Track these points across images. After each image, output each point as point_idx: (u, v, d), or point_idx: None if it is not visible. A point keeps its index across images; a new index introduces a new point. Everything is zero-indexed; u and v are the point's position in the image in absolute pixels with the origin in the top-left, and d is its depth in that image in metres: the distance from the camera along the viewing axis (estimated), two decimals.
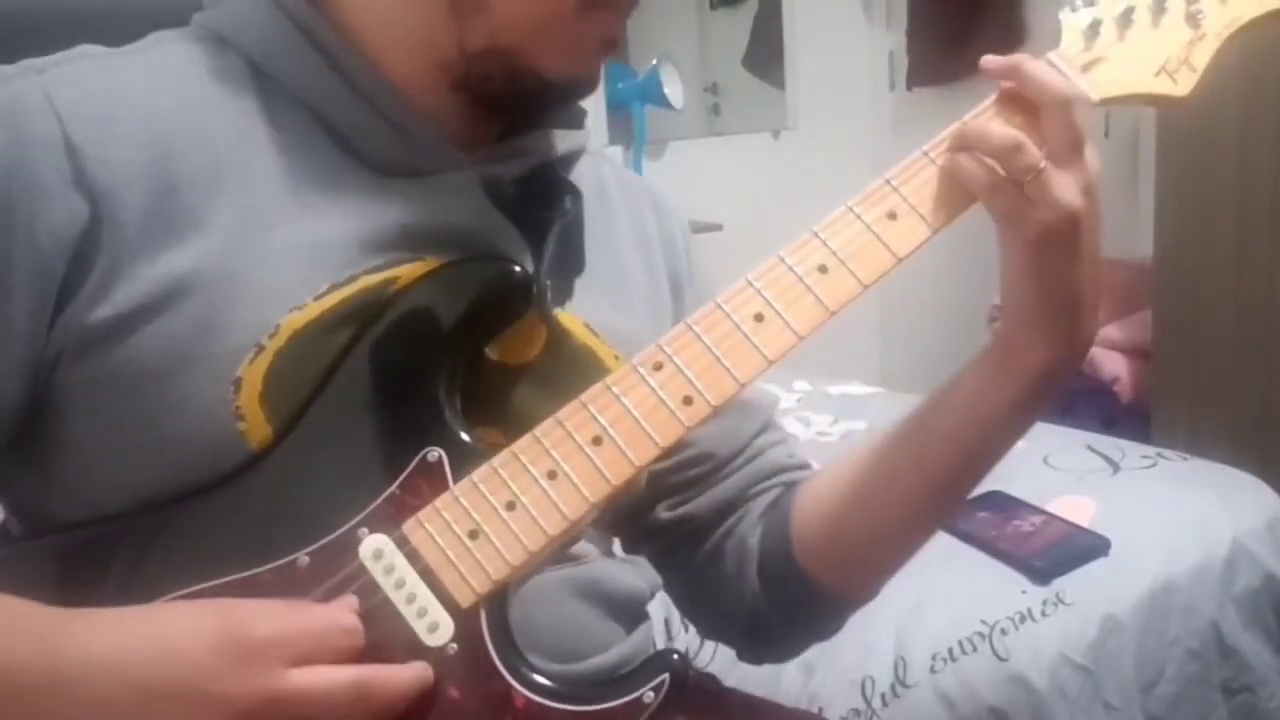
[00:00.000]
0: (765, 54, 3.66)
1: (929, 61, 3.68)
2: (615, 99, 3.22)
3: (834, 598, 0.91)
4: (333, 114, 0.76)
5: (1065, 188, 0.72)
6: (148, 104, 0.72)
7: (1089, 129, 0.72)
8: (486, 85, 0.77)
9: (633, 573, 0.93)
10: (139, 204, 0.69)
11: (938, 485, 0.84)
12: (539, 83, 0.76)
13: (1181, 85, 0.77)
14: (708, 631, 1.02)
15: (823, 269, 0.72)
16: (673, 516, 0.93)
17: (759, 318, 0.72)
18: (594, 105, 3.17)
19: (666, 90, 3.15)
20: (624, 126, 3.27)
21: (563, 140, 0.85)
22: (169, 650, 0.62)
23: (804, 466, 0.97)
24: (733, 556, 0.92)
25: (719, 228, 3.13)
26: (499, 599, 0.70)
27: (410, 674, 0.66)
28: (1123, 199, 3.39)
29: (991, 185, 0.72)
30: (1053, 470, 2.03)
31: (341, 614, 0.66)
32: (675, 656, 0.70)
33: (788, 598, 0.90)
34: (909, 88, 3.76)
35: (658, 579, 0.97)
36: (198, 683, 0.61)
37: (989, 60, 0.74)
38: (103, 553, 0.71)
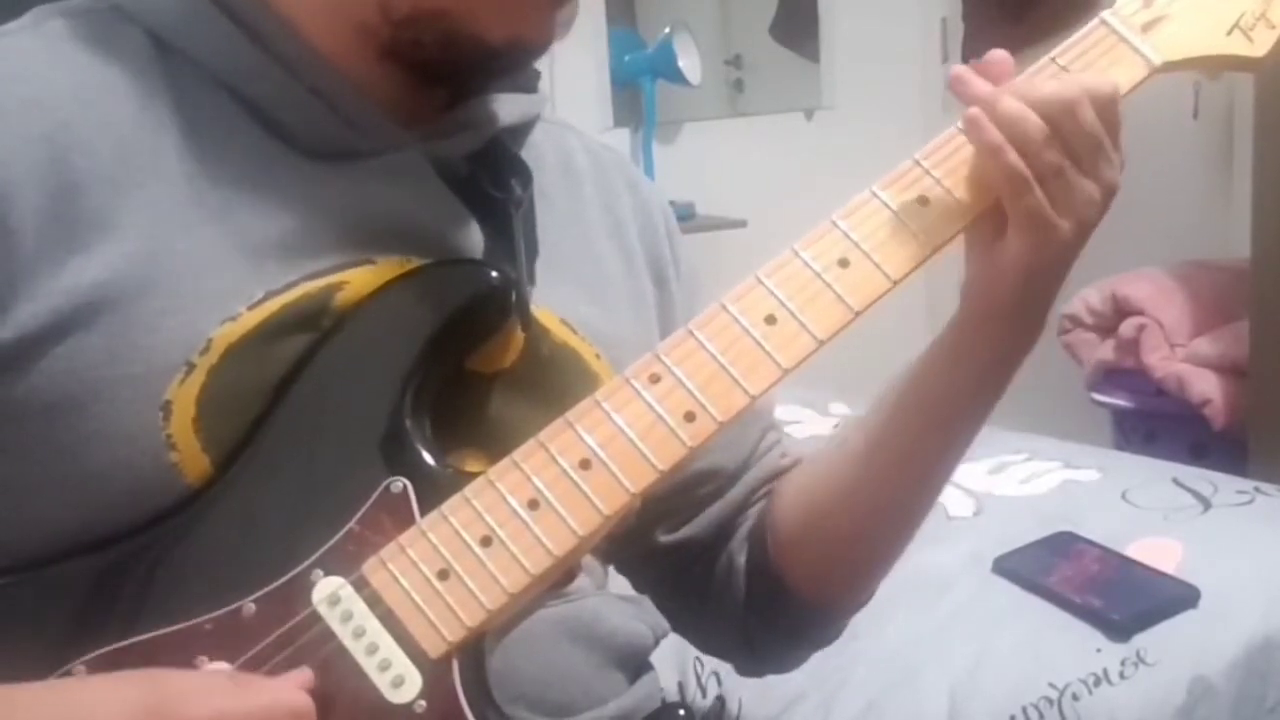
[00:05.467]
0: (796, 21, 3.67)
1: (987, 29, 3.69)
2: (622, 74, 3.24)
3: (820, 610, 0.94)
4: (253, 91, 0.77)
5: (1083, 194, 0.73)
6: (37, 90, 0.73)
7: (1115, 123, 0.74)
8: (418, 53, 0.78)
9: (632, 613, 0.94)
10: (35, 206, 0.71)
11: (908, 483, 0.88)
12: (480, 48, 0.77)
13: (1259, 45, 0.78)
14: (702, 648, 1.05)
15: (844, 263, 0.74)
16: (672, 541, 0.94)
17: (771, 320, 0.73)
18: (597, 81, 3.19)
19: (681, 63, 3.16)
20: (632, 105, 3.28)
21: (513, 106, 0.86)
22: None
23: (796, 464, 0.99)
24: (721, 578, 0.94)
25: (742, 224, 3.14)
26: (474, 648, 0.71)
27: None
28: (1214, 191, 3.37)
29: (1023, 184, 0.73)
30: (1133, 508, 2.02)
31: (289, 692, 0.66)
32: (682, 713, 0.70)
33: (778, 615, 0.93)
34: (964, 59, 3.76)
35: (662, 624, 0.98)
36: None
37: (958, 80, 0.76)
38: (27, 603, 0.72)
